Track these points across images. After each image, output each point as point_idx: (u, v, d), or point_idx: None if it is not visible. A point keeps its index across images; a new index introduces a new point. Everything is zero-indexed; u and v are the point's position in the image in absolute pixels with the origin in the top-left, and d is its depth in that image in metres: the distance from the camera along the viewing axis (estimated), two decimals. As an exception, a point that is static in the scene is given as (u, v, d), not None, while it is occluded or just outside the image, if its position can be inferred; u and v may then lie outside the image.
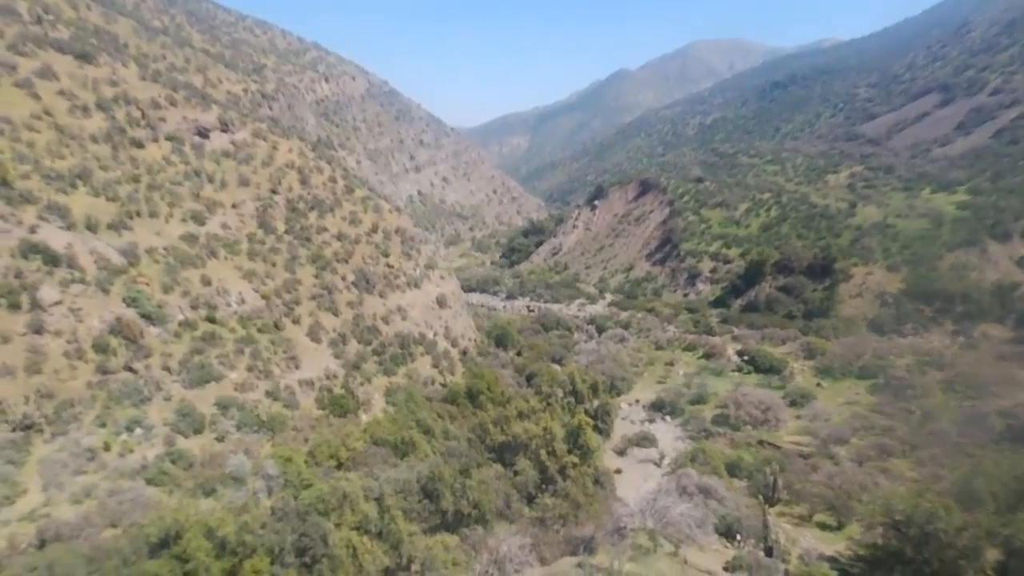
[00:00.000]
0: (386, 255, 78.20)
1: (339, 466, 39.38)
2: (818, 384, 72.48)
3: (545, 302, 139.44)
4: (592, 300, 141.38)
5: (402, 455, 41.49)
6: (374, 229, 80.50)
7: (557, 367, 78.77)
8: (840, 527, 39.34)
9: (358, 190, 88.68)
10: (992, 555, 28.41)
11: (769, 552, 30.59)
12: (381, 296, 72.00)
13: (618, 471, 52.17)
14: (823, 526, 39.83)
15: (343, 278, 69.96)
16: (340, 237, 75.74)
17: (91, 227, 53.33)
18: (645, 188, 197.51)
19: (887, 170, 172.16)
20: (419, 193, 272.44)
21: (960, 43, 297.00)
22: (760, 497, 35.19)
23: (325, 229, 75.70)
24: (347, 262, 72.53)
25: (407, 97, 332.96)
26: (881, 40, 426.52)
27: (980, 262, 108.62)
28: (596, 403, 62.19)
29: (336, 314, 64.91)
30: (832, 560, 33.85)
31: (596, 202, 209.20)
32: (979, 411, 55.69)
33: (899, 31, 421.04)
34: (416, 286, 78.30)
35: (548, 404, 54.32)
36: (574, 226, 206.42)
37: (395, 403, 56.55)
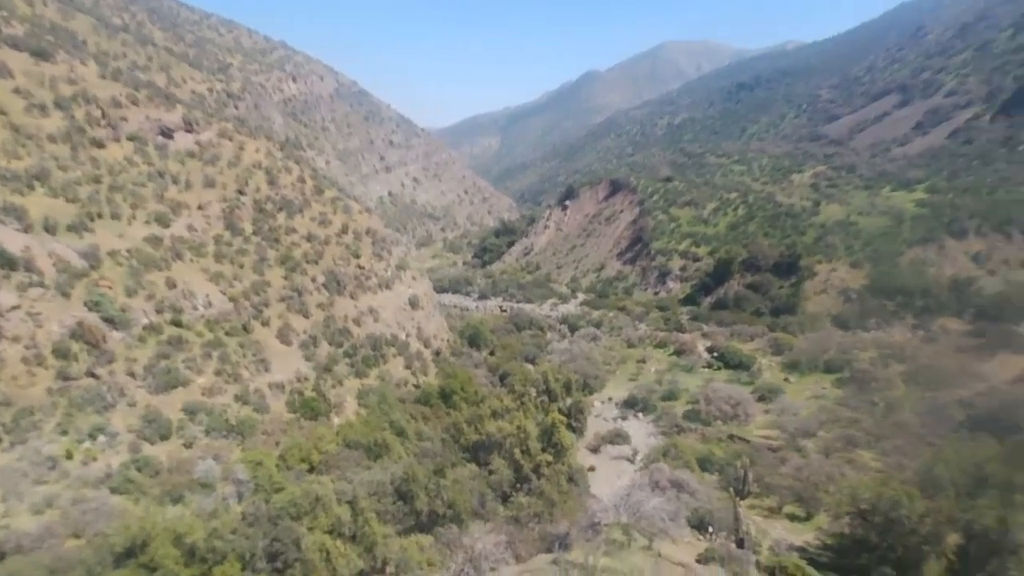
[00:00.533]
0: (357, 256, 77.47)
1: (311, 469, 38.89)
2: (786, 379, 73.92)
3: (517, 302, 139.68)
4: (564, 299, 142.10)
5: (375, 457, 41.16)
6: (344, 230, 79.69)
7: (530, 366, 78.94)
8: (808, 518, 40.18)
9: (328, 191, 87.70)
10: (953, 539, 29.33)
11: (740, 544, 31.09)
12: (352, 297, 71.30)
13: (592, 468, 52.51)
14: (792, 517, 40.65)
15: (313, 280, 69.11)
16: (309, 238, 74.79)
17: (49, 229, 51.74)
18: (615, 188, 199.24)
19: (849, 169, 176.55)
20: (390, 194, 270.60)
21: (917, 46, 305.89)
22: (731, 490, 35.74)
23: (294, 230, 74.68)
24: (317, 263, 71.66)
25: (377, 97, 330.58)
26: (842, 43, 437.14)
27: (938, 258, 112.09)
28: (569, 401, 62.51)
29: (306, 316, 64.09)
30: (801, 550, 34.56)
31: (567, 202, 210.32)
32: (939, 402, 57.41)
33: (859, 34, 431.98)
34: (388, 287, 77.74)
35: (521, 403, 54.40)
36: (545, 226, 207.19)
37: (368, 405, 56.06)
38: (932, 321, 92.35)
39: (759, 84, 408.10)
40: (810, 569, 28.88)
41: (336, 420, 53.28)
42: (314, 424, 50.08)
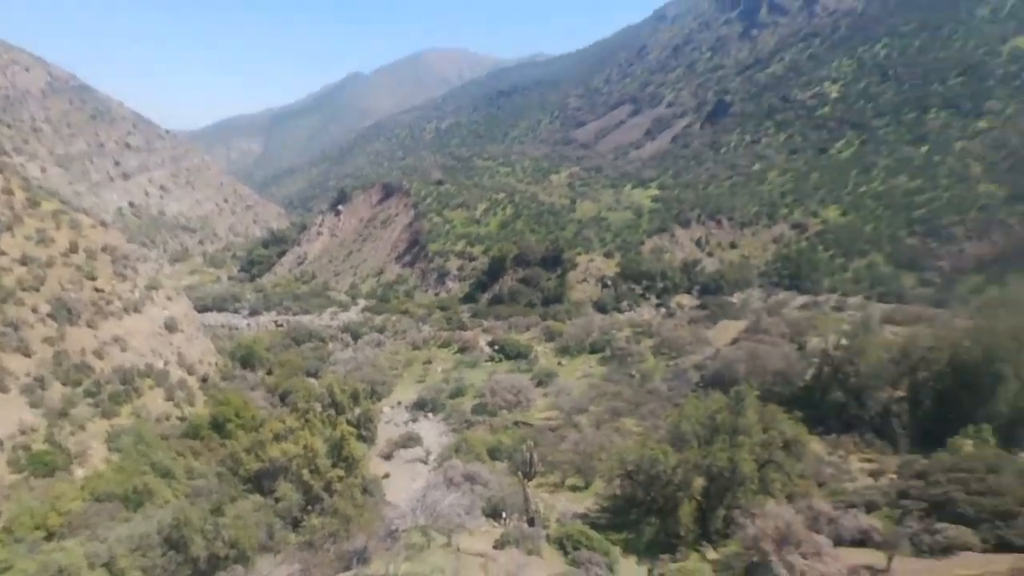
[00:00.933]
0: (92, 278, 66.49)
1: (49, 536, 32.60)
2: (559, 363, 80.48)
3: (294, 314, 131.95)
4: (345, 307, 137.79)
5: (136, 506, 35.92)
6: (73, 248, 67.80)
7: (313, 381, 75.23)
8: (587, 486, 44.31)
9: (46, 203, 73.88)
10: (699, 483, 34.62)
11: (532, 522, 33.17)
12: (90, 326, 61.08)
13: (386, 475, 51.85)
14: (574, 488, 44.48)
15: (34, 310, 57.75)
16: (25, 261, 62.29)
17: None
18: (389, 191, 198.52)
19: (597, 170, 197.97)
20: (131, 204, 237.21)
21: (642, 63, 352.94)
22: (519, 474, 37.92)
23: (3, 253, 61.62)
24: (38, 290, 59.98)
25: (104, 94, 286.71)
26: (584, 57, 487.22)
27: (671, 245, 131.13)
28: (358, 411, 60.82)
29: (28, 354, 53.36)
30: (583, 516, 38.01)
31: (340, 207, 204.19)
32: (680, 367, 67.38)
33: (597, 50, 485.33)
34: (136, 311, 68.04)
35: (307, 420, 51.53)
36: (319, 233, 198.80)
37: (121, 448, 48.52)
38: (670, 299, 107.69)
39: (516, 92, 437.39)
40: (591, 532, 31.91)
41: (80, 472, 45.30)
42: (49, 482, 41.99)
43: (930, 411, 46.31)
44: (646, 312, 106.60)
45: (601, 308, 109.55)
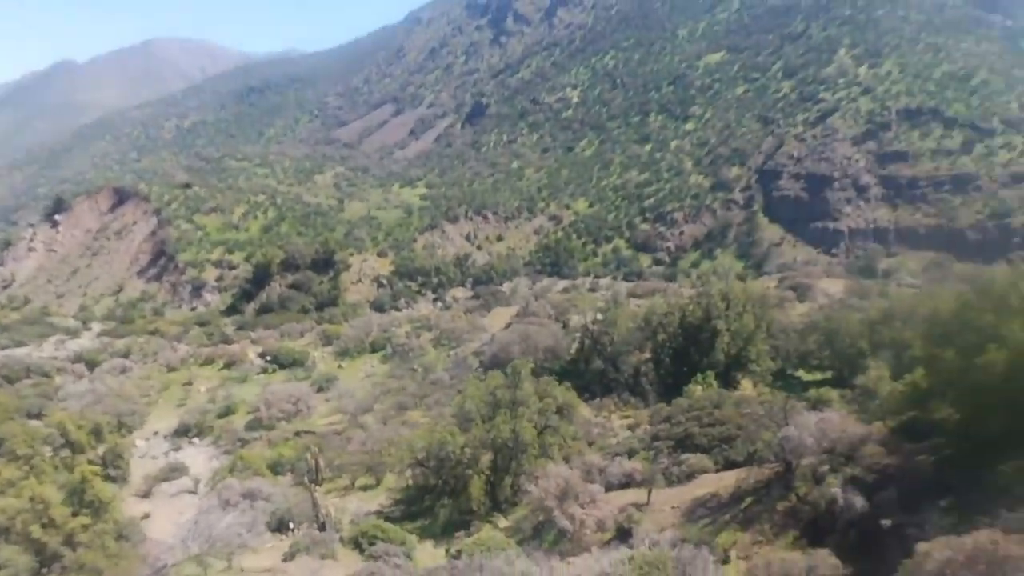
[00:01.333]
0: None
1: None
2: (339, 366, 77.91)
3: (3, 348, 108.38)
4: (74, 334, 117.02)
5: None
6: None
7: (37, 422, 62.70)
8: (378, 483, 43.63)
9: None
10: (485, 458, 36.17)
11: (323, 527, 31.75)
12: None
13: (146, 516, 45.35)
14: (365, 488, 43.44)
15: None
16: None
17: None
18: (122, 197, 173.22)
19: (363, 170, 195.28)
20: None
21: (400, 63, 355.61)
22: (306, 482, 36.03)
23: None
24: None
25: None
26: (341, 54, 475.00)
27: (442, 241, 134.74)
28: (103, 448, 52.28)
29: None
30: (377, 513, 37.38)
31: (58, 218, 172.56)
32: (460, 356, 69.70)
33: (354, 48, 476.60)
34: None
35: (31, 468, 42.90)
36: (31, 249, 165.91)
37: None
38: (445, 293, 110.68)
39: (270, 88, 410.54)
40: (387, 524, 31.59)
41: None
42: None
43: (669, 367, 54.12)
44: (424, 307, 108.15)
45: (379, 307, 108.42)
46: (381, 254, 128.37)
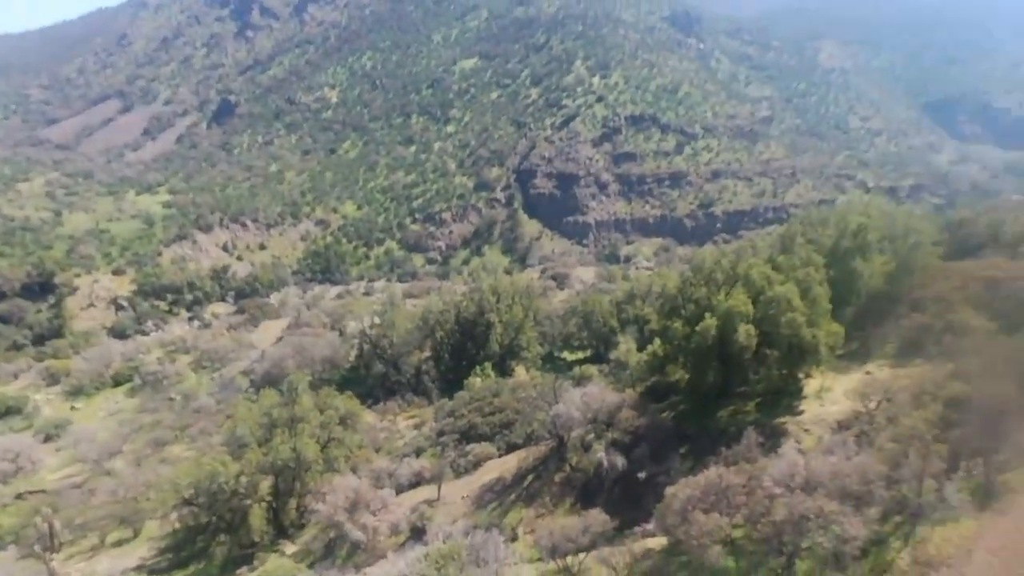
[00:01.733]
0: None
1: None
2: (72, 407, 66.00)
3: None
4: None
5: None
6: None
7: None
8: (137, 535, 38.08)
9: None
10: (265, 484, 33.61)
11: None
12: None
13: None
14: (120, 542, 37.58)
15: None
16: None
17: None
18: None
19: (86, 175, 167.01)
20: None
21: (125, 53, 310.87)
22: (38, 551, 30.02)
23: None
24: None
25: None
26: (43, 39, 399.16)
27: (195, 252, 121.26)
28: None
29: None
30: (139, 568, 32.69)
31: None
32: (226, 377, 63.63)
33: (61, 32, 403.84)
34: None
35: None
36: None
37: None
38: (203, 310, 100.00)
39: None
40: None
41: None
42: None
43: (449, 363, 55.65)
44: (178, 328, 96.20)
45: (120, 333, 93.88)
46: (118, 272, 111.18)
